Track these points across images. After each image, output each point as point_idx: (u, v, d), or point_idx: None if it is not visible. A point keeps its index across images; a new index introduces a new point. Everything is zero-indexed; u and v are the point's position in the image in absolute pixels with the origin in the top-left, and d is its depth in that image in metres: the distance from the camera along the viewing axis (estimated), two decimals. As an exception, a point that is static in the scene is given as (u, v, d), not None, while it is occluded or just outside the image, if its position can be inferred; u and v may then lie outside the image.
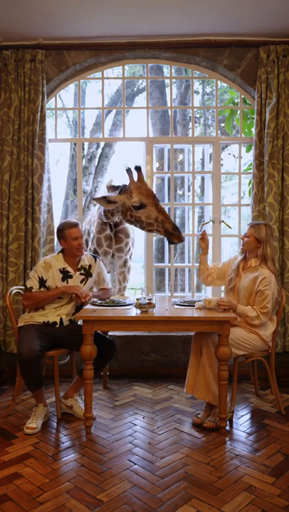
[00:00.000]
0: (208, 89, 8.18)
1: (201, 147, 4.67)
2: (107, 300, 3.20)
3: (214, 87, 4.17)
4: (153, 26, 3.55)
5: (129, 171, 3.28)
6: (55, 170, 8.70)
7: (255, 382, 3.37)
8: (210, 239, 4.01)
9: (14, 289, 3.18)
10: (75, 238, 3.02)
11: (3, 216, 3.68)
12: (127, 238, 3.85)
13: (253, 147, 3.77)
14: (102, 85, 4.06)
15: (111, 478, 2.25)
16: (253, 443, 2.63)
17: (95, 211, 3.93)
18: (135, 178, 3.31)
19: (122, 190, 3.30)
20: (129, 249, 3.92)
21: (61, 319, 3.00)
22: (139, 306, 2.74)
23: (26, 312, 3.06)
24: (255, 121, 3.73)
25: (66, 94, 8.84)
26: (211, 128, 8.47)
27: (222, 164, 5.61)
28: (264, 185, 3.68)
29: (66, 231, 3.02)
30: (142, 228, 3.34)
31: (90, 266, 3.16)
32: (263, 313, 2.86)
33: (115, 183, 3.49)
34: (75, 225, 3.06)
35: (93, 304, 3.06)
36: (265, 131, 3.66)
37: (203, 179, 6.53)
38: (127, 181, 3.36)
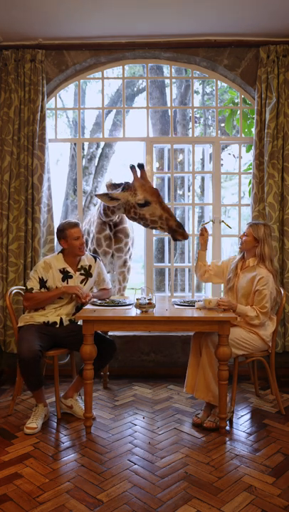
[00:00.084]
0: (208, 89, 8.18)
1: (201, 147, 4.67)
2: (107, 300, 3.20)
3: (214, 87, 4.17)
4: (153, 26, 3.55)
5: (133, 168, 3.29)
6: (55, 170, 8.70)
7: (255, 382, 3.37)
8: (210, 239, 4.02)
9: (14, 289, 3.18)
10: (76, 238, 3.02)
11: (3, 216, 3.68)
12: (127, 238, 3.85)
13: (253, 147, 3.77)
14: (102, 85, 4.06)
15: (111, 478, 2.25)
16: (253, 443, 2.63)
17: (95, 211, 3.93)
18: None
19: (125, 187, 3.30)
20: (129, 249, 3.92)
21: (61, 319, 3.00)
22: (139, 306, 2.74)
23: (26, 312, 3.06)
24: (255, 121, 3.73)
25: (66, 94, 8.84)
26: (211, 128, 8.47)
27: (222, 164, 5.61)
28: (264, 185, 3.68)
29: (67, 231, 3.02)
30: (146, 226, 3.34)
31: (90, 266, 3.16)
32: (262, 313, 2.86)
33: (114, 182, 3.49)
34: (76, 225, 3.06)
35: (93, 304, 3.06)
36: (265, 131, 3.66)
37: (203, 179, 6.53)
38: (126, 180, 3.36)
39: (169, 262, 4.48)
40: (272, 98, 3.64)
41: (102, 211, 3.58)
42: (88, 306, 2.98)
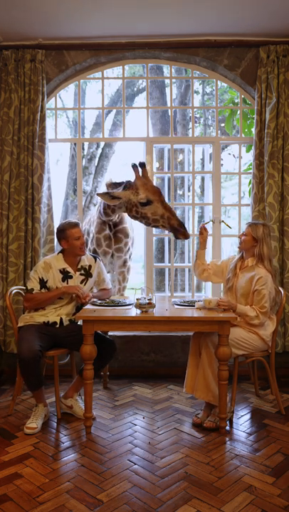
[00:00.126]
0: (208, 89, 8.18)
1: (201, 147, 4.67)
2: (107, 300, 3.20)
3: (214, 87, 4.17)
4: (153, 26, 3.55)
5: (135, 166, 3.30)
6: (55, 170, 8.70)
7: (255, 382, 3.37)
8: (210, 239, 4.03)
9: (14, 289, 3.18)
10: (77, 238, 3.02)
11: (3, 216, 3.68)
12: (127, 238, 3.85)
13: (253, 147, 3.77)
14: (102, 85, 4.06)
15: (111, 478, 2.25)
16: (253, 443, 2.63)
17: (95, 211, 3.93)
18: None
19: (127, 186, 3.30)
20: (129, 249, 3.92)
21: (61, 319, 3.00)
22: (139, 306, 2.74)
23: (26, 312, 3.06)
24: (255, 121, 3.73)
25: (66, 94, 8.84)
26: (211, 128, 8.47)
27: (222, 164, 5.61)
28: (264, 185, 3.68)
29: (68, 231, 3.02)
30: (148, 224, 3.36)
31: (90, 266, 3.16)
32: (262, 312, 2.86)
33: (115, 181, 3.49)
34: (76, 225, 3.06)
35: (93, 304, 3.06)
36: (265, 131, 3.66)
37: (203, 179, 6.52)
38: (126, 180, 3.37)
39: (169, 262, 4.48)
40: (272, 98, 3.64)
41: (102, 210, 3.58)
42: (88, 306, 2.98)
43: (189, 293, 4.47)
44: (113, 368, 3.79)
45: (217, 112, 4.14)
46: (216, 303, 2.82)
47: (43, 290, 3.00)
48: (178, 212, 7.00)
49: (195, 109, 6.85)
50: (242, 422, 2.93)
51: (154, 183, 3.51)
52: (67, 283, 3.04)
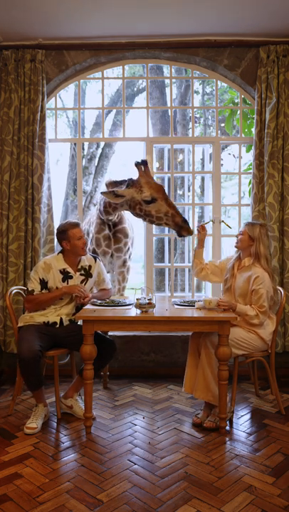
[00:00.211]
0: (208, 89, 8.17)
1: (201, 147, 4.67)
2: (107, 300, 3.20)
3: (214, 87, 4.17)
4: (153, 26, 3.55)
5: (138, 164, 3.31)
6: (55, 170, 8.70)
7: (255, 382, 3.37)
8: (210, 239, 4.03)
9: (14, 289, 3.18)
10: (79, 238, 3.02)
11: (3, 216, 3.68)
12: (126, 238, 3.85)
13: (253, 147, 3.77)
14: (102, 85, 4.06)
15: (111, 478, 2.25)
16: (253, 443, 2.63)
17: (95, 211, 3.93)
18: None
19: (130, 184, 3.31)
20: (128, 249, 3.92)
21: (61, 319, 3.00)
22: (139, 306, 2.74)
23: (26, 312, 3.06)
24: (255, 121, 3.74)
25: (66, 94, 8.84)
26: (211, 128, 8.47)
27: (222, 164, 5.61)
28: (264, 185, 3.68)
29: (69, 231, 3.01)
30: (151, 222, 3.37)
31: (90, 266, 3.16)
32: (261, 312, 2.87)
33: (115, 180, 3.49)
34: (77, 225, 3.06)
35: (93, 304, 3.06)
36: (265, 131, 3.66)
37: (203, 179, 6.52)
38: (126, 178, 3.37)
39: (169, 262, 4.48)
40: (272, 98, 3.64)
41: (102, 209, 3.58)
42: (88, 306, 2.98)
43: (189, 293, 4.47)
44: (113, 368, 3.79)
45: (217, 112, 4.14)
46: (216, 303, 2.82)
47: (43, 291, 3.00)
48: (178, 212, 6.99)
49: (195, 109, 6.85)
50: (242, 422, 2.93)
51: (155, 182, 3.51)
52: (68, 283, 3.04)
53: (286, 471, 2.32)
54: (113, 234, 3.81)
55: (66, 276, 3.05)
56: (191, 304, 3.02)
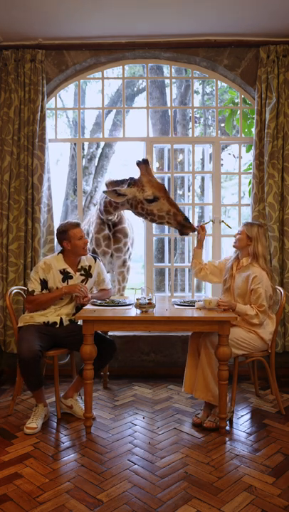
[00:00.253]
0: (208, 89, 8.17)
1: (201, 147, 4.67)
2: (107, 300, 3.20)
3: (214, 87, 4.17)
4: (153, 26, 3.55)
5: (140, 163, 3.32)
6: (55, 170, 8.70)
7: (255, 382, 3.37)
8: (210, 239, 4.03)
9: (14, 289, 3.18)
10: (80, 238, 3.02)
11: (3, 216, 3.68)
12: (126, 238, 3.85)
13: (253, 147, 3.77)
14: (102, 85, 4.06)
15: (111, 478, 2.25)
16: (253, 443, 2.63)
17: (94, 211, 3.93)
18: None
19: (132, 183, 3.32)
20: (128, 249, 3.92)
21: (61, 319, 3.00)
22: (139, 306, 2.74)
23: (26, 312, 3.06)
24: (255, 121, 3.74)
25: (66, 94, 8.84)
26: (211, 128, 8.47)
27: (222, 164, 5.61)
28: (264, 185, 3.68)
29: (70, 231, 3.01)
30: (153, 221, 3.38)
31: (89, 266, 3.16)
32: (261, 311, 2.87)
33: (116, 179, 3.50)
34: (78, 225, 3.07)
35: (93, 304, 3.06)
36: (265, 131, 3.66)
37: (203, 179, 6.52)
38: (125, 177, 3.37)
39: (169, 262, 4.48)
40: (272, 98, 3.64)
41: (102, 209, 3.58)
42: (88, 306, 2.98)
43: (189, 293, 4.47)
44: (113, 367, 3.79)
45: (217, 112, 4.14)
46: (216, 303, 2.82)
47: (44, 291, 3.00)
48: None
49: (195, 109, 6.85)
50: (242, 422, 2.93)
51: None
52: (68, 283, 3.04)
53: (286, 471, 2.32)
54: (113, 234, 3.81)
55: (66, 276, 3.04)
56: (191, 304, 3.02)
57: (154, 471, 2.31)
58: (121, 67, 4.02)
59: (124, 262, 3.95)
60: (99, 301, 3.13)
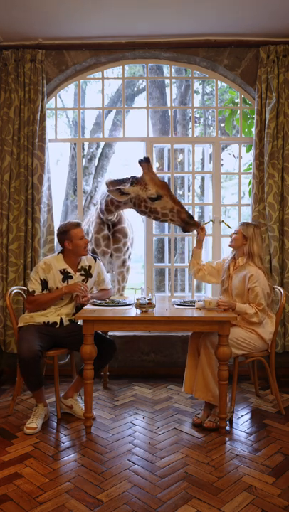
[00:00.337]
0: (208, 89, 8.18)
1: (201, 147, 4.67)
2: (107, 300, 3.20)
3: (214, 87, 4.17)
4: (153, 26, 3.55)
5: (142, 162, 3.32)
6: (55, 170, 8.70)
7: (255, 382, 3.37)
8: (210, 239, 4.03)
9: (14, 289, 3.18)
10: (81, 238, 3.02)
11: (3, 216, 3.68)
12: (125, 238, 3.85)
13: (253, 147, 3.77)
14: (102, 85, 4.06)
15: (111, 478, 2.25)
16: (253, 443, 2.63)
17: (94, 211, 3.93)
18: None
19: (134, 182, 3.32)
20: (128, 249, 3.92)
21: (61, 319, 3.00)
22: (139, 306, 2.74)
23: (26, 312, 3.06)
24: (255, 121, 3.74)
25: (66, 94, 8.84)
26: (211, 128, 8.47)
27: (222, 164, 5.61)
28: (264, 185, 3.68)
29: (71, 231, 3.01)
30: (156, 219, 3.38)
31: (89, 266, 3.16)
32: (259, 310, 2.88)
33: (116, 178, 3.50)
34: (79, 225, 3.07)
35: (93, 304, 3.06)
36: (265, 131, 3.66)
37: (203, 179, 6.52)
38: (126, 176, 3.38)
39: (169, 262, 4.48)
40: (272, 98, 3.64)
41: (103, 208, 3.58)
42: (88, 306, 2.98)
43: (189, 293, 4.47)
44: (113, 368, 3.79)
45: (217, 112, 4.14)
46: (216, 303, 2.82)
47: (44, 291, 3.00)
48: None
49: (195, 109, 6.86)
50: (242, 422, 2.93)
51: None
52: (68, 283, 3.04)
53: (286, 471, 2.32)
54: (112, 234, 3.81)
55: (66, 276, 3.04)
56: (191, 304, 3.02)
57: (154, 471, 2.31)
58: (121, 67, 4.02)
59: (124, 262, 3.95)
60: (99, 301, 3.13)
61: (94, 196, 7.88)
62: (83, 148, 8.12)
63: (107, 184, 3.52)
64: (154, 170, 3.49)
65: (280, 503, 2.02)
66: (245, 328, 2.93)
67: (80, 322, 2.97)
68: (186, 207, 4.56)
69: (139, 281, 6.02)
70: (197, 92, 8.23)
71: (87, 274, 3.14)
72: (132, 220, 4.07)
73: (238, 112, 4.28)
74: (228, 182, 10.63)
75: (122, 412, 3.09)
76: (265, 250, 3.66)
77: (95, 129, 8.37)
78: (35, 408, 2.89)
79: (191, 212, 4.08)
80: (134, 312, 2.77)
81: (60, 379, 3.05)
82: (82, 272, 3.12)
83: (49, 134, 3.83)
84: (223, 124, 6.48)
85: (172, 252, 4.19)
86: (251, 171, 3.80)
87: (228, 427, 2.82)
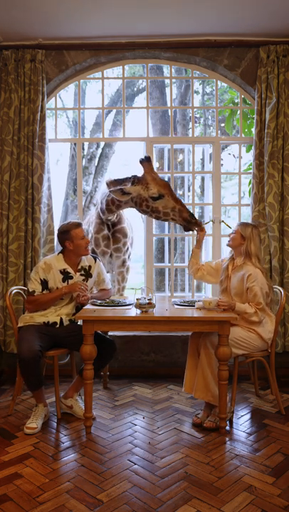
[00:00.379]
0: (208, 89, 8.18)
1: (201, 147, 4.67)
2: (107, 300, 3.20)
3: (214, 87, 4.17)
4: (153, 26, 3.55)
5: (143, 161, 3.33)
6: (55, 170, 8.70)
7: (255, 382, 3.37)
8: (210, 239, 4.03)
9: (14, 289, 3.18)
10: (82, 237, 3.02)
11: (3, 216, 3.68)
12: (125, 238, 3.85)
13: (253, 147, 3.77)
14: (102, 85, 4.06)
15: (111, 478, 2.25)
16: (253, 443, 2.63)
17: (94, 211, 3.93)
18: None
19: (135, 181, 3.32)
20: (128, 249, 3.92)
21: (61, 319, 3.00)
22: (139, 306, 2.74)
23: (26, 312, 3.06)
24: (255, 121, 3.74)
25: (66, 94, 8.84)
26: (211, 128, 8.47)
27: (222, 164, 5.61)
28: (264, 185, 3.68)
29: (72, 231, 3.01)
30: (158, 218, 3.39)
31: (89, 266, 3.16)
32: (259, 308, 2.88)
33: (117, 178, 3.50)
34: (80, 225, 3.07)
35: (93, 304, 3.06)
36: (265, 131, 3.66)
37: (203, 179, 6.52)
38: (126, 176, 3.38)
39: (169, 262, 4.48)
40: (272, 98, 3.64)
41: (104, 208, 3.57)
42: (88, 306, 2.98)
43: (189, 293, 4.47)
44: (113, 368, 3.79)
45: (217, 112, 4.14)
46: (216, 303, 2.82)
47: (44, 291, 3.00)
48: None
49: (195, 109, 6.85)
50: (242, 422, 2.93)
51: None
52: (68, 283, 3.04)
53: (286, 471, 2.32)
54: (112, 234, 3.81)
55: (66, 276, 3.04)
56: (191, 304, 3.03)
57: (154, 471, 2.31)
58: (121, 67, 4.02)
59: (124, 261, 3.95)
60: (99, 301, 3.13)
61: (94, 196, 7.88)
62: (83, 148, 8.12)
63: (107, 184, 3.52)
64: (154, 170, 3.49)
65: (280, 503, 2.02)
66: (245, 328, 2.93)
67: (80, 322, 2.97)
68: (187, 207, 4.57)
69: (139, 281, 6.02)
70: (197, 92, 8.23)
71: (87, 274, 3.14)
72: (131, 220, 4.07)
73: (238, 112, 4.28)
74: (228, 182, 10.63)
75: (122, 412, 3.09)
76: (265, 250, 3.66)
77: (95, 129, 8.37)
78: (35, 408, 2.89)
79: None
80: (134, 312, 2.77)
81: (60, 379, 3.05)
82: (82, 272, 3.12)
83: (49, 134, 3.83)
84: (223, 124, 6.48)
85: (172, 252, 4.19)
86: (251, 171, 3.80)
87: (228, 427, 2.82)
